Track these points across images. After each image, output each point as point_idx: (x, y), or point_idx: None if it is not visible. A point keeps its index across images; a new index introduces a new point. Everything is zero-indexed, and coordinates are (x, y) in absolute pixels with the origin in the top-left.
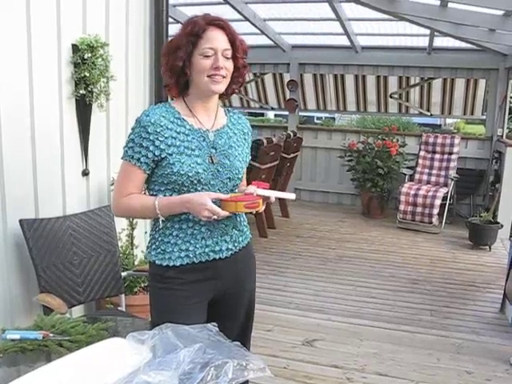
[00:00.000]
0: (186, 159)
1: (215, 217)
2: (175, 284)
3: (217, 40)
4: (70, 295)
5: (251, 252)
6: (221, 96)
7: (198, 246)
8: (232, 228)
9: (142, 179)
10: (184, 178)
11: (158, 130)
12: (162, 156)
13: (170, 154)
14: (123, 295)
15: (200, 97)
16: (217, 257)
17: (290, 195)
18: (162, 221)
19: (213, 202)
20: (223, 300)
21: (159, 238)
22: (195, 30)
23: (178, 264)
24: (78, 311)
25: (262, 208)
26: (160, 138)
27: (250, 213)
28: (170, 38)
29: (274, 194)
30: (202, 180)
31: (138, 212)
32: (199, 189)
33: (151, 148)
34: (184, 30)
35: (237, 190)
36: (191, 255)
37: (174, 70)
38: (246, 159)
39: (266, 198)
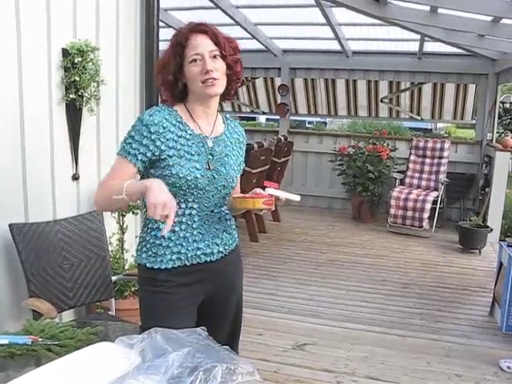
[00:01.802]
0: (186, 163)
1: (165, 213)
2: (167, 287)
3: (201, 45)
4: (59, 300)
5: (239, 255)
6: (225, 98)
7: (189, 248)
8: (223, 231)
9: (132, 174)
10: (182, 181)
11: (161, 131)
12: (162, 157)
13: (170, 156)
14: (113, 299)
15: (200, 102)
16: (208, 259)
17: (295, 196)
18: (126, 200)
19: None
20: (212, 302)
21: (150, 241)
22: (178, 41)
23: (170, 266)
24: (67, 316)
25: (273, 207)
26: (161, 139)
27: (243, 215)
28: (161, 43)
29: (283, 195)
30: (199, 185)
31: (108, 191)
32: (195, 193)
33: (151, 147)
34: (170, 43)
35: (228, 198)
36: (183, 258)
37: (166, 85)
38: (239, 168)
39: (275, 198)
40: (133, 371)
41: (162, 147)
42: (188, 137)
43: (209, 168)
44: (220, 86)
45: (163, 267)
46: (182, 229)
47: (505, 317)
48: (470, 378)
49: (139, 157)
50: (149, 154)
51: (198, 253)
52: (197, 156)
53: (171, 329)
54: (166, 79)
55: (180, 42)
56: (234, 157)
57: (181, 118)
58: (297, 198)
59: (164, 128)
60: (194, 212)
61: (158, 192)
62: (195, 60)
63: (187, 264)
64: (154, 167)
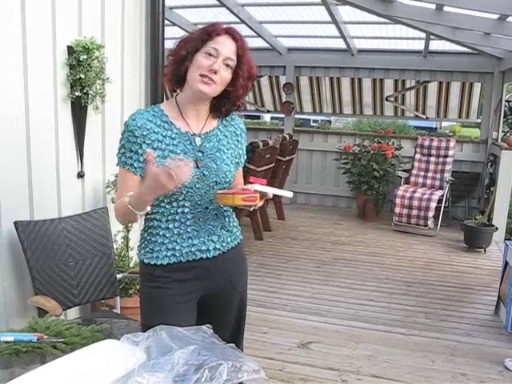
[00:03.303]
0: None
1: (175, 177)
2: (163, 282)
3: (224, 45)
4: (64, 297)
5: (242, 253)
6: (214, 110)
7: (184, 245)
8: (220, 228)
9: (138, 182)
10: None
11: (145, 134)
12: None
13: (155, 158)
14: (118, 297)
15: (191, 99)
16: (204, 256)
17: (287, 193)
18: (140, 216)
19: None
20: (213, 299)
21: (148, 237)
22: (210, 30)
23: (166, 263)
24: (73, 313)
25: (259, 203)
26: (147, 141)
27: (248, 213)
28: (166, 41)
29: (271, 191)
30: (186, 183)
31: (122, 213)
32: (184, 192)
33: (140, 151)
34: (202, 29)
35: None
36: (178, 254)
37: (176, 57)
38: (237, 160)
39: (263, 194)
40: (138, 369)
41: (148, 149)
42: (174, 136)
43: (197, 166)
44: (213, 90)
45: (159, 263)
46: (175, 226)
47: (510, 316)
48: (475, 376)
49: (135, 164)
50: (141, 159)
51: (193, 249)
52: (183, 155)
53: (169, 325)
54: (179, 52)
55: (210, 33)
56: (227, 151)
57: (166, 117)
58: (289, 194)
59: (148, 130)
60: (186, 210)
61: (159, 182)
62: (210, 54)
63: (182, 260)
64: None
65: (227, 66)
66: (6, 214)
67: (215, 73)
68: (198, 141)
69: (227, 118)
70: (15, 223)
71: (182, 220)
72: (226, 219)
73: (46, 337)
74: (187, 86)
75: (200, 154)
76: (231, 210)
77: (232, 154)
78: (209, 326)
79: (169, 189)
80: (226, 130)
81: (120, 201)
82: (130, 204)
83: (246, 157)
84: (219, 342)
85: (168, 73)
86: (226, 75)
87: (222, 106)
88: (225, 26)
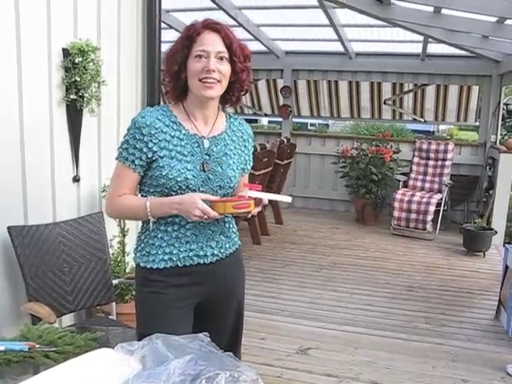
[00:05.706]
0: (176, 164)
1: (206, 217)
2: (159, 287)
3: (210, 43)
4: (59, 304)
5: (239, 258)
6: (225, 102)
7: (182, 249)
8: (219, 234)
9: (136, 180)
10: (172, 182)
11: (153, 132)
12: (154, 158)
13: (161, 157)
14: (114, 303)
15: (197, 103)
16: (201, 261)
17: (285, 198)
18: (153, 222)
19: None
20: (210, 305)
21: (145, 240)
22: (190, 34)
23: (162, 267)
24: (67, 320)
25: (254, 210)
26: (154, 140)
27: (245, 218)
28: (163, 44)
29: (266, 196)
30: (190, 186)
31: (129, 212)
32: None
33: (144, 150)
34: (181, 35)
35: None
36: (175, 258)
37: (171, 74)
38: (243, 166)
39: (258, 201)
40: (133, 379)
41: (154, 148)
42: (182, 137)
43: (203, 169)
44: (218, 90)
45: (155, 267)
46: (174, 229)
47: (511, 321)
48: (476, 382)
49: (136, 162)
50: (144, 158)
51: (191, 254)
52: (190, 157)
53: (165, 331)
54: (171, 69)
55: (190, 36)
56: (234, 156)
57: (175, 117)
58: (287, 199)
59: (156, 129)
60: None
61: (190, 213)
62: (200, 56)
63: (179, 265)
64: (149, 168)
65: (221, 59)
66: (0, 218)
67: (213, 71)
68: (206, 143)
69: (235, 123)
70: (9, 228)
71: (182, 223)
72: (226, 225)
73: (37, 346)
74: (191, 93)
75: (207, 157)
76: (231, 216)
77: (238, 160)
78: (206, 334)
79: (190, 217)
80: (233, 134)
81: (136, 201)
82: (150, 208)
83: (252, 163)
84: (216, 350)
85: (170, 91)
86: (225, 68)
87: (231, 96)
88: (201, 21)
